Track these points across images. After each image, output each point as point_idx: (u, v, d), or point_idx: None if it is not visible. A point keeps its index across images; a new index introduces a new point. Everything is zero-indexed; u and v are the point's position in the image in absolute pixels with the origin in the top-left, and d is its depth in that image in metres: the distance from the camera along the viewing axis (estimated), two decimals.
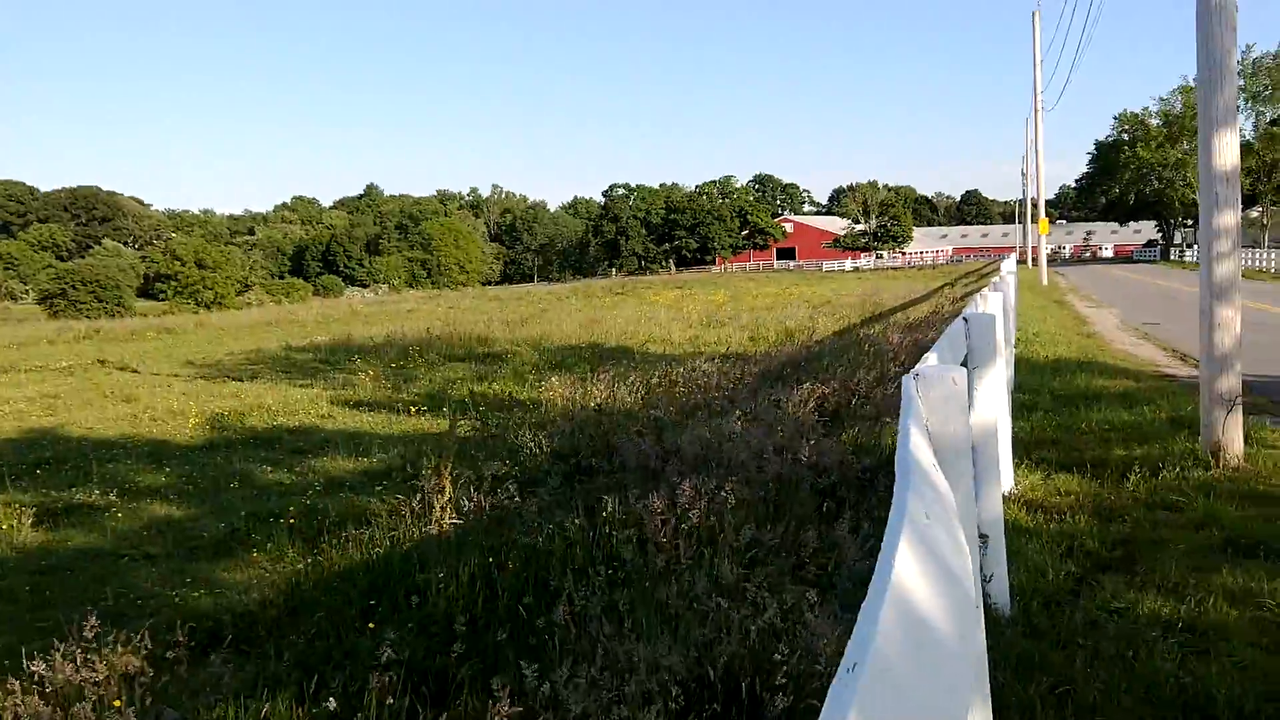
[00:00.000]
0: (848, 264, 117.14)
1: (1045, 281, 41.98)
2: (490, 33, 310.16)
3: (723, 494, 6.12)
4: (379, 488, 9.72)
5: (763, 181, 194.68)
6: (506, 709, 4.04)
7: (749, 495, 6.44)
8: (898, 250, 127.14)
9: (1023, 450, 8.81)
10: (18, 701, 4.25)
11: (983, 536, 4.92)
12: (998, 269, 24.71)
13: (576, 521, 6.77)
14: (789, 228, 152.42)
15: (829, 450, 7.56)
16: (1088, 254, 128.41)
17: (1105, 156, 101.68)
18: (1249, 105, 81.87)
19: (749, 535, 5.56)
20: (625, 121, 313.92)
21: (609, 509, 6.76)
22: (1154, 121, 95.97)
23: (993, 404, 5.25)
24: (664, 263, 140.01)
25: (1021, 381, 12.74)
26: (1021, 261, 50.12)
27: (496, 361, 21.81)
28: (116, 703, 4.41)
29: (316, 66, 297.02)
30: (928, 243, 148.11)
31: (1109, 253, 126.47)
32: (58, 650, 4.63)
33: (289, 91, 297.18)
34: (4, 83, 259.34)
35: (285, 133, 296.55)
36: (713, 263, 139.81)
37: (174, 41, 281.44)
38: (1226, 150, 8.38)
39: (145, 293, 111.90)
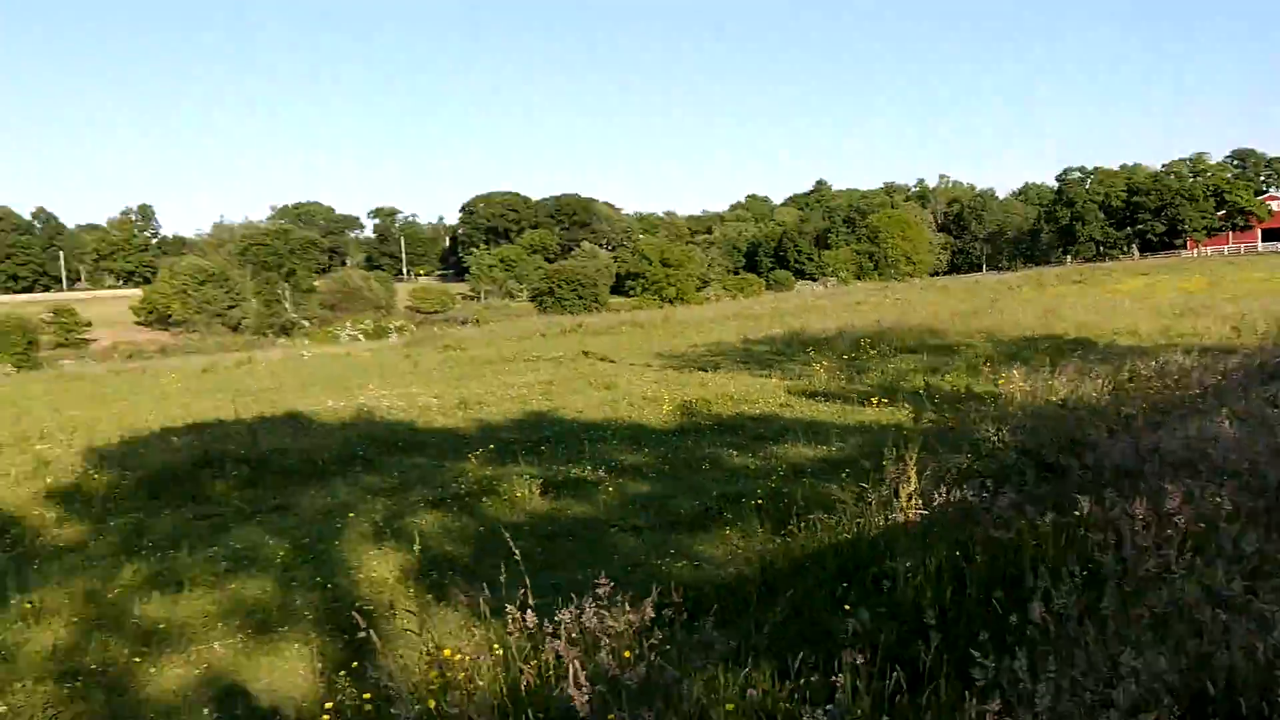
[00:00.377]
0: None
1: None
2: (928, 19, 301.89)
3: (1216, 499, 5.65)
4: (844, 475, 9.94)
5: (1242, 157, 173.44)
6: (986, 704, 4.05)
7: (1247, 502, 5.89)
8: None
9: None
10: (555, 645, 4.90)
11: None
12: None
13: (1047, 519, 6.55)
14: (1276, 206, 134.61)
15: None
16: None
17: None
18: None
19: (1253, 544, 5.09)
20: (1078, 101, 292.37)
21: (1082, 509, 6.47)
22: None
23: None
24: (1125, 248, 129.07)
25: None
26: None
27: (948, 353, 21.43)
28: (627, 653, 4.95)
29: (768, 69, 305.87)
30: None
31: None
32: (578, 605, 5.27)
33: (743, 95, 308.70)
34: (505, 107, 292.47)
35: (739, 134, 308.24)
36: (1183, 247, 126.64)
37: (641, 58, 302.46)
38: None
39: (617, 289, 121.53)
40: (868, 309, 40.84)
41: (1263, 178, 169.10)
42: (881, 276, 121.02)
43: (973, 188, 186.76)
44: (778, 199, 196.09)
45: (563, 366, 26.14)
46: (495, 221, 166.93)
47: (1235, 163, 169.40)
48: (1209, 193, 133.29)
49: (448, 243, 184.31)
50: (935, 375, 17.78)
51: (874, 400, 15.27)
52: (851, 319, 32.94)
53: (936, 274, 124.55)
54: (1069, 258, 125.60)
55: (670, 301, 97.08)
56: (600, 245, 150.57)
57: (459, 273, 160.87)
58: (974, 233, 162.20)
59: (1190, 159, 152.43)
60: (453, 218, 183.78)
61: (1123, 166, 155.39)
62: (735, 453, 12.47)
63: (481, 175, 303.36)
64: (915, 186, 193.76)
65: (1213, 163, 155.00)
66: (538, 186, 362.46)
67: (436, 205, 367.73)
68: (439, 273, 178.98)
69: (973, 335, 24.16)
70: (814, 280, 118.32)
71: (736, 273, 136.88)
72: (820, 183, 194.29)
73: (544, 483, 11.18)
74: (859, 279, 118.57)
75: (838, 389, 17.20)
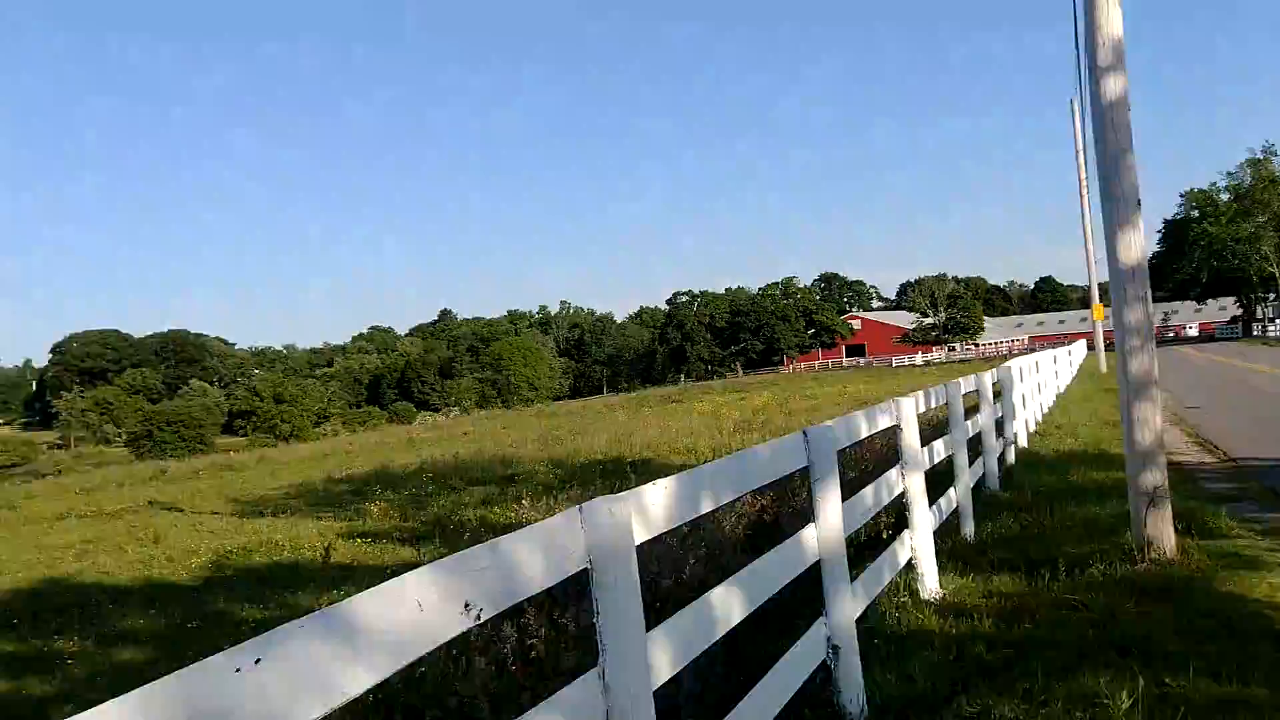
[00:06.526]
0: (918, 359, 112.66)
1: (1104, 368, 38.67)
2: (550, 156, 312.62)
3: None
4: None
5: (828, 280, 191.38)
6: None
7: None
8: (970, 342, 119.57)
9: (975, 551, 8.08)
10: None
11: (834, 647, 4.63)
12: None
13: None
14: (856, 325, 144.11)
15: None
16: (1171, 334, 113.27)
17: (1175, 234, 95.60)
18: None
19: None
20: (689, 229, 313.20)
21: None
22: (1224, 196, 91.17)
23: (835, 516, 4.82)
24: (731, 366, 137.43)
25: (1018, 478, 11.82)
26: (1093, 348, 46.40)
27: (510, 483, 20.57)
28: None
29: (391, 200, 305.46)
30: (1002, 333, 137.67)
31: (1194, 331, 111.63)
32: None
33: (365, 224, 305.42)
34: (95, 239, 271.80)
35: (362, 264, 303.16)
36: (780, 363, 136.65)
37: (252, 185, 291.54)
38: (1131, 247, 7.58)
39: (229, 429, 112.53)
40: (471, 439, 39.94)
41: (845, 299, 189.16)
42: (505, 404, 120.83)
43: (593, 313, 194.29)
44: (402, 330, 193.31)
45: (119, 520, 23.02)
46: (91, 362, 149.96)
47: (822, 285, 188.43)
48: (800, 313, 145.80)
49: (34, 387, 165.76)
50: (487, 507, 17.10)
51: (419, 537, 14.52)
52: (453, 450, 31.84)
53: (559, 398, 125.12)
54: (682, 377, 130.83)
55: (285, 439, 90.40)
56: (212, 383, 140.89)
57: (46, 420, 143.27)
58: (595, 356, 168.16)
59: (782, 282, 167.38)
60: (42, 359, 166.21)
61: (727, 290, 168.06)
62: (249, 605, 11.21)
63: (75, 311, 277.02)
64: (538, 313, 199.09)
65: (802, 286, 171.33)
66: (140, 322, 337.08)
67: (21, 346, 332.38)
68: (22, 420, 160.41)
69: (541, 463, 23.33)
70: (437, 410, 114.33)
71: (359, 406, 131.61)
72: (445, 312, 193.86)
73: (7, 661, 9.55)
74: (482, 407, 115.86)
75: (391, 527, 16.15)
